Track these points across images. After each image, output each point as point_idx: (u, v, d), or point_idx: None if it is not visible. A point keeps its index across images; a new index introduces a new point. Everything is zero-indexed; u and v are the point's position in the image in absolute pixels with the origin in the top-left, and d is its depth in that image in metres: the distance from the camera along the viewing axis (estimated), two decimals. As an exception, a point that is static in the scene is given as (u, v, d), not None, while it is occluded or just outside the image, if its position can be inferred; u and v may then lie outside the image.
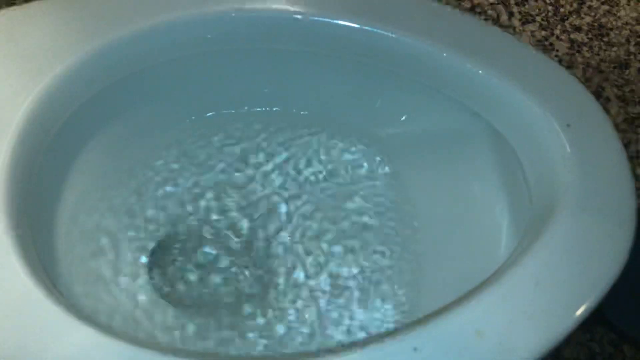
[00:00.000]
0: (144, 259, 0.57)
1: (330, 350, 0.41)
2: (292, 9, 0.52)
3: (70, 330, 0.39)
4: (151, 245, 0.58)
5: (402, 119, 0.60)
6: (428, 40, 0.53)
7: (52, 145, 0.49)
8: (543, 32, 1.06)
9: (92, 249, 0.54)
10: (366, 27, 0.53)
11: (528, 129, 0.51)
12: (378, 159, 0.61)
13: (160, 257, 0.58)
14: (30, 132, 0.47)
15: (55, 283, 0.46)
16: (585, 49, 1.05)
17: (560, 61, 1.04)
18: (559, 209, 0.46)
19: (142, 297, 0.55)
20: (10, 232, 0.42)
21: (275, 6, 0.53)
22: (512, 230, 0.53)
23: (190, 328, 0.53)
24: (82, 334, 0.39)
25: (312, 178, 0.61)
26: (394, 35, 0.53)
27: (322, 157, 0.61)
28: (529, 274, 0.43)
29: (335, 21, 0.53)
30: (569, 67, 1.04)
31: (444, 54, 0.52)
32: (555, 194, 0.47)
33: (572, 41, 1.06)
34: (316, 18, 0.53)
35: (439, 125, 0.59)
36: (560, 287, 0.43)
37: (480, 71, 0.52)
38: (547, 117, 0.50)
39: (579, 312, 0.43)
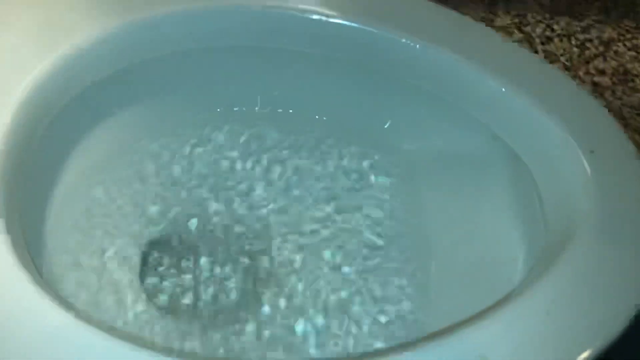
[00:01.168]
0: (136, 253, 0.55)
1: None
2: (311, 8, 0.51)
3: (47, 312, 0.37)
4: (146, 239, 0.56)
5: (421, 134, 0.58)
6: (453, 54, 0.51)
7: (56, 120, 0.47)
8: (566, 72, 1.05)
9: (84, 234, 0.52)
10: (389, 35, 0.52)
11: (549, 153, 0.49)
12: (393, 172, 0.59)
13: (154, 253, 0.56)
14: (33, 103, 0.45)
15: (40, 264, 0.44)
16: (608, 92, 1.04)
17: (582, 103, 1.02)
18: (576, 237, 0.44)
19: (130, 296, 0.53)
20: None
21: (298, 5, 0.51)
22: (527, 257, 0.50)
23: (174, 328, 0.51)
24: (59, 317, 0.37)
25: (324, 185, 0.59)
26: (417, 46, 0.51)
27: (335, 165, 0.59)
28: (540, 301, 0.41)
29: (359, 26, 0.52)
30: (591, 109, 1.02)
31: (469, 70, 0.51)
32: (573, 221, 0.45)
33: (595, 84, 1.04)
34: (337, 21, 0.52)
35: (458, 144, 0.57)
36: (572, 319, 0.40)
37: (503, 89, 0.50)
38: (570, 142, 0.47)
39: (592, 347, 0.40)
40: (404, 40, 0.52)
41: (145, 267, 0.57)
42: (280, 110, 0.61)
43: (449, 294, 0.55)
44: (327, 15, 0.52)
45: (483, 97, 0.51)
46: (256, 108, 0.59)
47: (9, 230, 0.39)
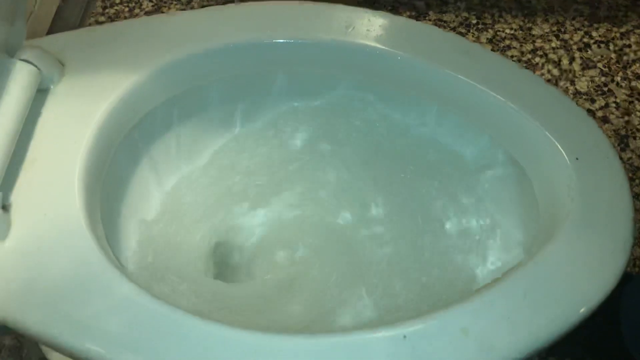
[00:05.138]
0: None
1: (328, 332, 0.47)
2: (339, 38, 0.60)
3: (121, 287, 0.47)
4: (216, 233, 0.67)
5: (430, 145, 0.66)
6: (460, 75, 0.59)
7: (132, 130, 0.59)
8: (603, 78, 1.09)
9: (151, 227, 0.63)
10: (406, 58, 0.60)
11: (540, 160, 0.56)
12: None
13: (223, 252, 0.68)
14: (110, 123, 0.56)
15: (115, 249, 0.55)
16: (646, 97, 1.07)
17: (617, 107, 1.06)
18: (557, 232, 0.50)
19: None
20: (85, 209, 0.51)
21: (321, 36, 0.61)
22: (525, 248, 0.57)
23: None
24: (130, 292, 0.47)
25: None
26: (430, 68, 0.59)
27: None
28: (519, 285, 0.48)
29: (373, 49, 0.60)
30: (626, 113, 1.06)
31: (474, 88, 0.58)
32: (557, 219, 0.52)
33: (632, 89, 1.08)
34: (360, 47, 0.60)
35: (470, 152, 0.64)
36: (547, 301, 0.47)
37: (508, 109, 0.57)
38: (557, 150, 0.54)
39: (561, 326, 0.47)
40: (421, 64, 0.60)
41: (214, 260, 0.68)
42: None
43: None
44: (348, 43, 0.60)
45: (486, 111, 0.58)
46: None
47: (92, 222, 0.50)
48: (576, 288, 0.48)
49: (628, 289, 0.75)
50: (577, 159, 0.53)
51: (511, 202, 0.61)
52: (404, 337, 0.45)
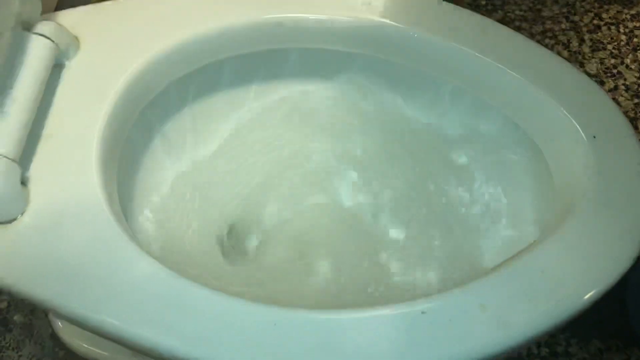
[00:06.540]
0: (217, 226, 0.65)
1: (347, 307, 0.47)
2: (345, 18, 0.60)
3: (138, 261, 0.47)
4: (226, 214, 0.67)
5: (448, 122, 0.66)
6: (476, 52, 0.58)
7: (147, 107, 0.59)
8: (613, 60, 1.08)
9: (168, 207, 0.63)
10: (423, 37, 0.60)
11: (557, 138, 0.56)
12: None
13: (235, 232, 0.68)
14: (127, 99, 0.56)
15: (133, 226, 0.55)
16: (655, 79, 1.06)
17: (627, 89, 1.05)
18: (574, 211, 0.51)
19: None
20: (102, 185, 0.51)
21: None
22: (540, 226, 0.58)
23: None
24: (147, 266, 0.47)
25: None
26: (447, 47, 0.59)
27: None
28: (537, 262, 0.48)
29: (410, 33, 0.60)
30: (636, 96, 1.05)
31: (490, 66, 0.58)
32: (573, 198, 0.52)
33: (642, 71, 1.07)
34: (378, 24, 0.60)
35: (484, 131, 0.64)
36: (564, 278, 0.48)
37: (524, 87, 0.57)
38: (574, 128, 0.54)
39: (578, 303, 0.47)
40: (436, 41, 0.60)
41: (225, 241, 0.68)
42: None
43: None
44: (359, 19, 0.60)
45: (502, 89, 0.58)
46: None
47: (109, 197, 0.50)
48: (593, 266, 0.48)
49: (635, 268, 0.75)
50: (594, 137, 0.53)
51: (527, 180, 0.61)
52: (422, 312, 0.46)
